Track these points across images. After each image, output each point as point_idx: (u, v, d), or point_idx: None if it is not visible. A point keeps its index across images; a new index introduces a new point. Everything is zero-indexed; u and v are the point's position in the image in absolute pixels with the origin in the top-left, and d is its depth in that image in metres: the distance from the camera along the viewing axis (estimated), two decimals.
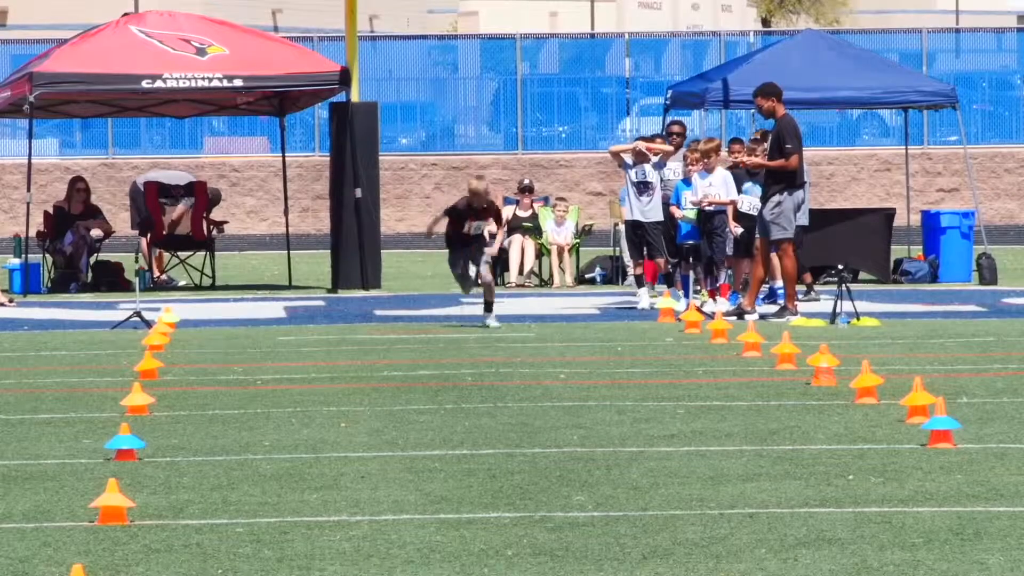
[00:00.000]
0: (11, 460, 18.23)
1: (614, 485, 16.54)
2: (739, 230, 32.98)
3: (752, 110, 39.35)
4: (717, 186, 33.85)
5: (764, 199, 31.59)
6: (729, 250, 33.88)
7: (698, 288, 34.48)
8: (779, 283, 32.90)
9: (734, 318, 31.46)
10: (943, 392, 19.12)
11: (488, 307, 28.68)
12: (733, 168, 34.41)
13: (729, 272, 34.83)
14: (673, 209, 36.15)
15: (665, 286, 34.74)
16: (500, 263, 41.81)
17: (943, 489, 16.02)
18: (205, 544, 13.99)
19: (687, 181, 35.89)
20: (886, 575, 12.84)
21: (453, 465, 17.88)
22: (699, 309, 31.10)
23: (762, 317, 30.75)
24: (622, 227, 38.54)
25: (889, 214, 37.82)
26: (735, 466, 17.08)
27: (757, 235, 31.67)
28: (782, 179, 32.24)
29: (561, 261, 38.48)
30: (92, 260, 38.76)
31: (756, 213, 33.77)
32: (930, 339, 27.61)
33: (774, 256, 31.39)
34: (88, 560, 12.21)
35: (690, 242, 34.05)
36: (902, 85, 40.11)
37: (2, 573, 13.02)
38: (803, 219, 31.25)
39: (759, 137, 34.52)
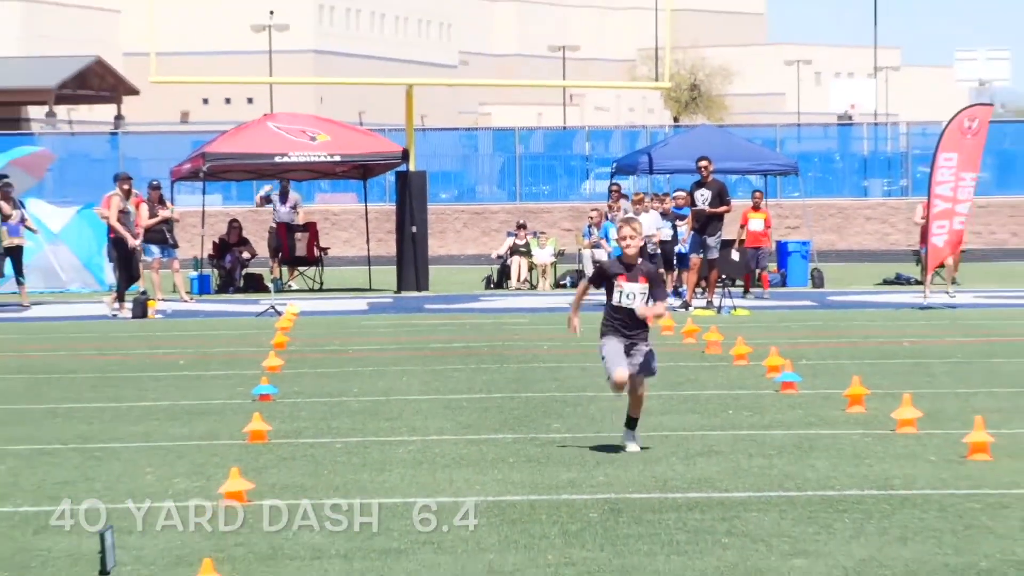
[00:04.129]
0: (192, 401, 19.39)
1: (579, 417, 17.52)
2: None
3: (667, 176, 38.80)
4: (646, 224, 33.49)
5: (706, 232, 30.86)
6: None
7: None
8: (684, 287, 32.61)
9: (683, 309, 30.75)
10: (790, 356, 19.78)
11: (631, 423, 14.38)
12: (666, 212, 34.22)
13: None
14: (602, 242, 36.53)
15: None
16: (503, 275, 42.02)
17: (789, 419, 17.27)
18: (316, 455, 15.20)
19: (613, 221, 33.70)
20: (752, 475, 13.89)
21: (474, 404, 18.79)
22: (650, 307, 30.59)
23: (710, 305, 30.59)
24: (585, 251, 39.63)
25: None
26: (656, 405, 17.58)
27: (695, 255, 31.07)
28: (719, 219, 32.51)
29: (544, 273, 38.57)
30: (243, 273, 38.49)
31: (666, 240, 33.14)
32: (781, 323, 28.04)
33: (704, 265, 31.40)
34: (241, 464, 13.35)
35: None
36: (763, 159, 40.44)
37: (186, 473, 14.43)
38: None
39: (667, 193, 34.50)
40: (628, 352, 13.80)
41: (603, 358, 14.00)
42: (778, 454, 14.42)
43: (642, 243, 14.03)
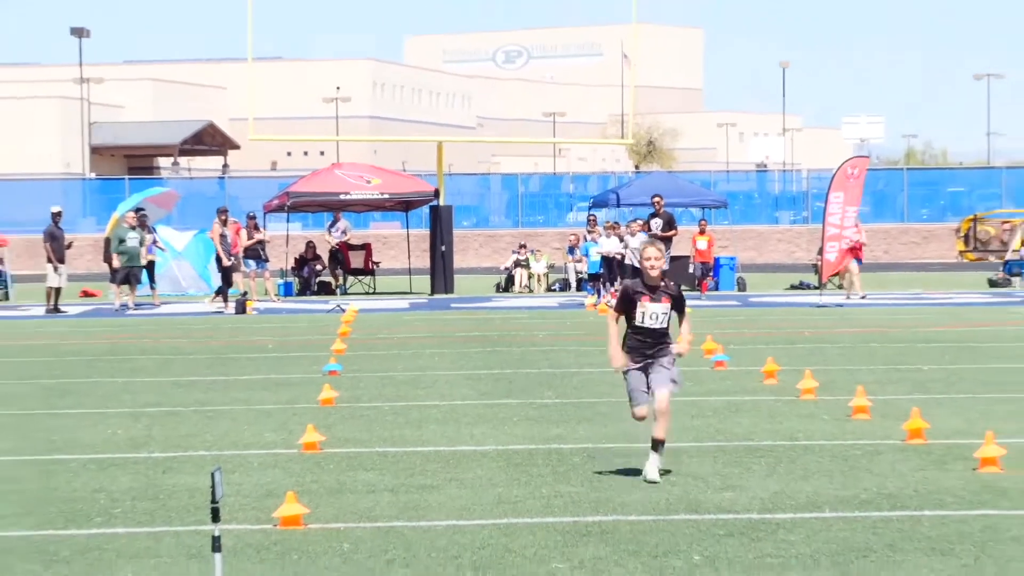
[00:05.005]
0: (279, 375, 19.23)
1: (566, 387, 17.38)
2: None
3: (631, 208, 38.90)
4: (612, 245, 33.45)
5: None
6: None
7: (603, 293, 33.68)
8: None
9: None
10: (721, 342, 19.56)
11: (656, 446, 10.75)
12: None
13: (612, 285, 34.25)
14: (583, 258, 38.39)
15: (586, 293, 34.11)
16: (509, 281, 41.98)
17: (720, 389, 17.19)
18: (370, 415, 15.17)
19: (595, 241, 37.51)
20: (694, 429, 13.88)
21: (488, 377, 18.65)
22: (607, 304, 30.28)
23: None
24: (568, 264, 41.05)
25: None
26: (614, 375, 15.74)
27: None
28: (669, 240, 33.58)
29: (539, 280, 38.46)
30: (316, 280, 38.32)
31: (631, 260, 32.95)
32: (715, 317, 27.93)
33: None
34: (315, 422, 13.50)
35: (599, 271, 33.21)
36: (701, 196, 40.48)
37: (274, 429, 14.38)
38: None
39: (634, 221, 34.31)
40: (648, 370, 10.76)
41: (628, 386, 10.89)
42: (713, 414, 14.34)
43: (665, 265, 11.18)
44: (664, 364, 10.86)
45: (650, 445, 10.90)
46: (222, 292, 33.22)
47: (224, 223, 33.35)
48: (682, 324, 10.96)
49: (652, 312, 10.75)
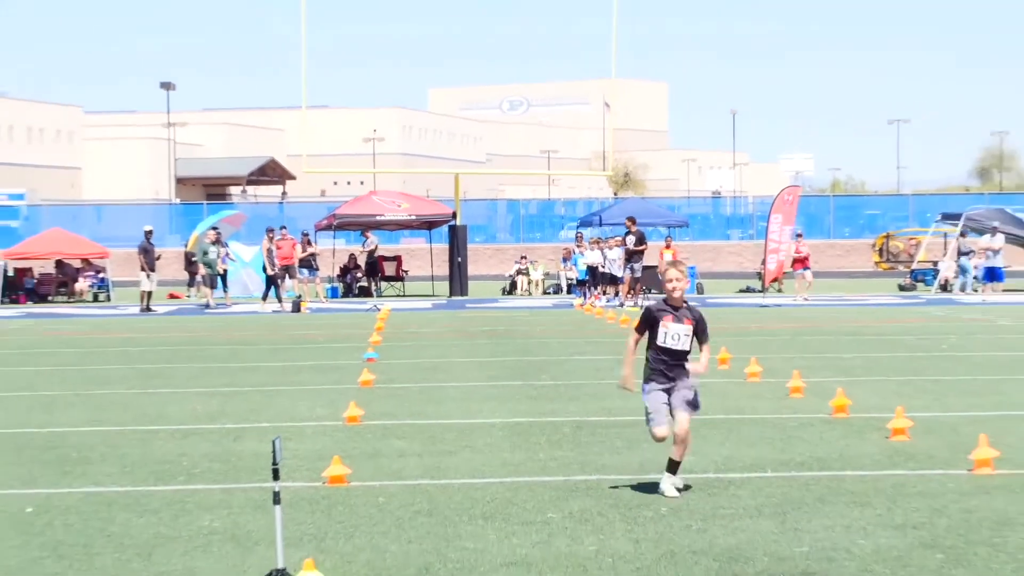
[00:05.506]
0: (327, 362, 19.10)
1: (560, 371, 17.23)
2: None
3: (608, 227, 38.82)
4: (596, 257, 33.39)
5: (632, 261, 32.63)
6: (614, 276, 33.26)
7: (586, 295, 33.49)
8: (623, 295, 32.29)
9: (620, 306, 31.47)
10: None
11: (672, 467, 8.64)
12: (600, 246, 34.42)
13: (595, 289, 33.92)
14: (572, 268, 35.23)
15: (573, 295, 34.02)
16: (512, 286, 41.82)
17: None
18: (401, 394, 15.17)
19: (582, 253, 37.99)
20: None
21: (496, 363, 18.52)
22: (591, 304, 30.07)
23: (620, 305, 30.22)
24: (560, 272, 40.95)
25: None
26: (603, 360, 17.05)
27: (627, 274, 31.93)
28: (640, 254, 32.59)
29: (536, 286, 38.30)
30: (357, 285, 38.36)
31: (609, 269, 34.60)
32: None
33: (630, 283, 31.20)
34: (356, 400, 13.58)
35: (585, 278, 33.10)
36: (667, 218, 40.59)
37: (323, 405, 14.43)
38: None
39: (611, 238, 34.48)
40: (669, 392, 8.77)
41: (647, 408, 8.80)
42: None
43: (687, 285, 9.02)
44: (685, 386, 8.82)
45: (666, 466, 8.90)
46: (265, 296, 33.30)
47: (271, 240, 33.30)
48: (702, 348, 8.92)
49: (674, 332, 8.81)
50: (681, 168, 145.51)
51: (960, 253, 37.30)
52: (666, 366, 8.87)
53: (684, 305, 8.96)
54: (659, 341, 8.89)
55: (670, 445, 8.92)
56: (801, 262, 34.86)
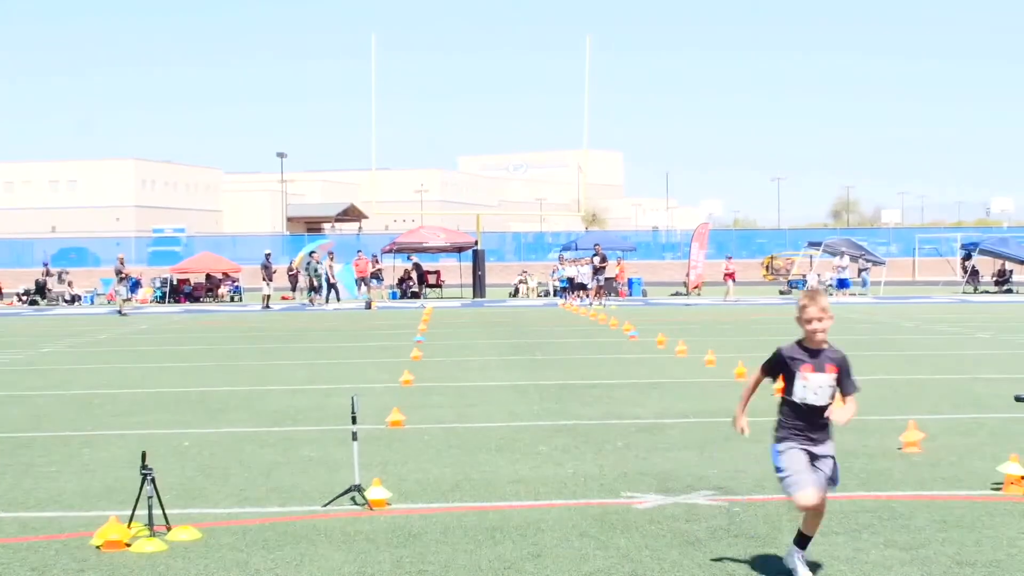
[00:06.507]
0: (387, 343, 18.52)
1: (555, 352, 16.71)
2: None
3: (581, 251, 38.57)
4: (573, 271, 33.07)
5: (598, 274, 31.89)
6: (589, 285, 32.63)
7: (568, 298, 33.10)
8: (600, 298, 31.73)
9: (588, 306, 30.58)
10: (638, 325, 18.88)
11: (802, 541, 3.56)
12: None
13: (573, 293, 33.54)
14: (555, 277, 36.59)
15: (558, 299, 33.46)
16: (516, 292, 40.57)
17: (632, 351, 16.84)
18: (441, 365, 14.91)
19: (563, 269, 36.96)
20: (621, 375, 12.36)
21: (505, 345, 18.08)
22: (571, 304, 29.78)
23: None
24: (550, 282, 40.29)
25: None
26: (579, 343, 17.20)
27: (594, 283, 31.87)
28: (604, 270, 32.27)
29: (533, 290, 37.70)
30: (410, 290, 38.09)
31: (582, 279, 33.63)
32: (629, 312, 27.08)
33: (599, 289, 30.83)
34: (409, 369, 13.58)
35: (566, 286, 32.74)
36: (621, 243, 40.22)
37: (385, 372, 14.77)
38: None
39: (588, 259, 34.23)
40: (813, 462, 4.67)
41: (781, 470, 4.66)
42: (629, 365, 13.94)
43: (832, 323, 4.68)
44: (827, 454, 4.74)
45: (795, 538, 4.91)
46: (327, 298, 32.66)
47: (332, 260, 33.07)
48: (845, 400, 4.73)
49: (816, 386, 4.71)
50: (631, 210, 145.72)
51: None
52: (807, 427, 4.76)
53: (825, 348, 4.78)
54: (797, 398, 4.77)
55: (799, 510, 4.79)
56: (730, 275, 34.72)
